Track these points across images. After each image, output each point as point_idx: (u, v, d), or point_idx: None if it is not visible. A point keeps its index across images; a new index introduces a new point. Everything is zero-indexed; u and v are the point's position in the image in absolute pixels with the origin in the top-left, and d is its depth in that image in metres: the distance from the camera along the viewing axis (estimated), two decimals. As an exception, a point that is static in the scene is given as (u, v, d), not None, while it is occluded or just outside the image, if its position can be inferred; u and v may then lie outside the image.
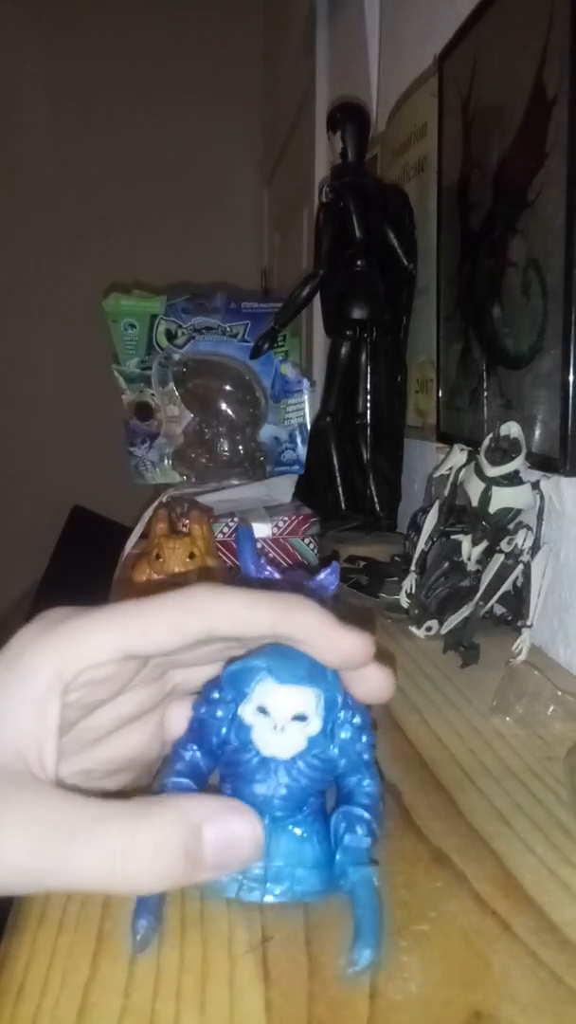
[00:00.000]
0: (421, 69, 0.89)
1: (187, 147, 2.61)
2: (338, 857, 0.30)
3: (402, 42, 1.04)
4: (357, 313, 0.86)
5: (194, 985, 0.26)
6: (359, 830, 0.30)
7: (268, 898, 0.29)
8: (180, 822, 0.26)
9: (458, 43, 0.74)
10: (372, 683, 0.30)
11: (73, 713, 0.29)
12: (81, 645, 0.28)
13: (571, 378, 0.55)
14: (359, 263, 0.87)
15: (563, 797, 0.37)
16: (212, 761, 0.31)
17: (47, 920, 0.29)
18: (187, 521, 0.71)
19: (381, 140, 1.05)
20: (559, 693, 0.46)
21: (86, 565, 0.96)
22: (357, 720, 0.31)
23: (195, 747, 0.31)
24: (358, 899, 0.28)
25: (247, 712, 0.29)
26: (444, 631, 0.59)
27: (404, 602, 0.63)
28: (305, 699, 0.29)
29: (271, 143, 2.40)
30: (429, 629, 0.60)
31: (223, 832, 0.26)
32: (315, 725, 0.29)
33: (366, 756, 0.31)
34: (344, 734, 0.30)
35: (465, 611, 0.58)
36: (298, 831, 0.30)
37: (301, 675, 0.29)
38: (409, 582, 0.63)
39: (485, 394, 0.70)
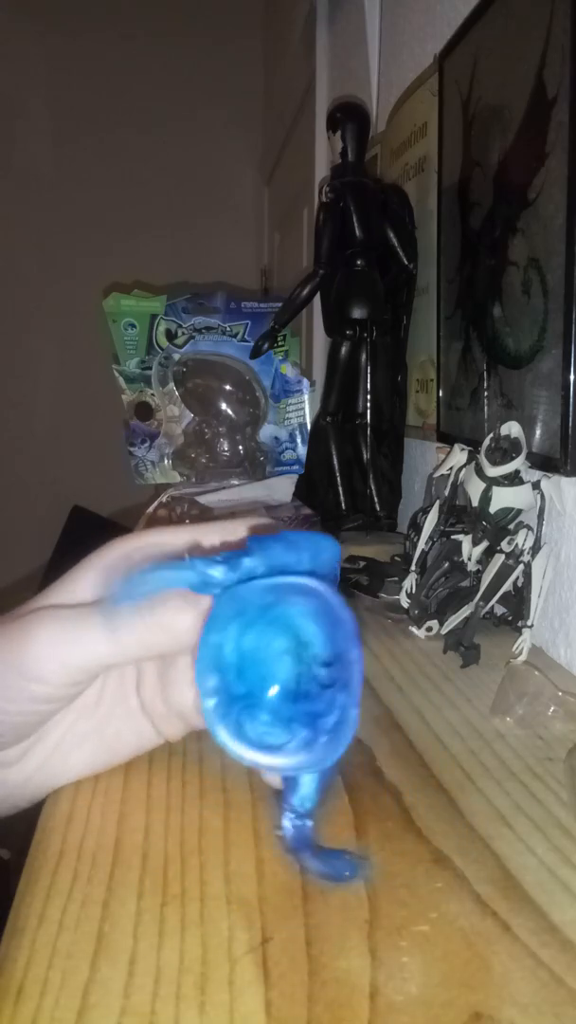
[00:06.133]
0: (421, 68, 0.89)
1: (187, 147, 2.61)
2: None
3: (402, 41, 1.04)
4: (357, 313, 0.86)
5: (194, 986, 0.25)
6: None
7: None
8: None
9: (458, 42, 0.74)
10: None
11: None
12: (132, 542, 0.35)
13: (572, 377, 0.55)
14: (359, 263, 0.87)
15: (563, 798, 0.37)
16: None
17: (47, 920, 0.28)
18: (188, 522, 0.71)
19: (381, 140, 1.04)
20: (560, 694, 0.46)
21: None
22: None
23: None
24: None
25: None
26: (444, 631, 0.59)
27: (404, 602, 0.63)
28: None
29: (271, 143, 2.40)
30: (429, 629, 0.60)
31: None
32: None
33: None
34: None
35: (465, 611, 0.58)
36: None
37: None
38: (409, 582, 0.63)
39: (485, 394, 0.70)
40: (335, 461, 0.90)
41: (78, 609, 0.33)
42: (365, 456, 0.90)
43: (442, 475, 0.63)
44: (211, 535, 0.36)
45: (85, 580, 0.34)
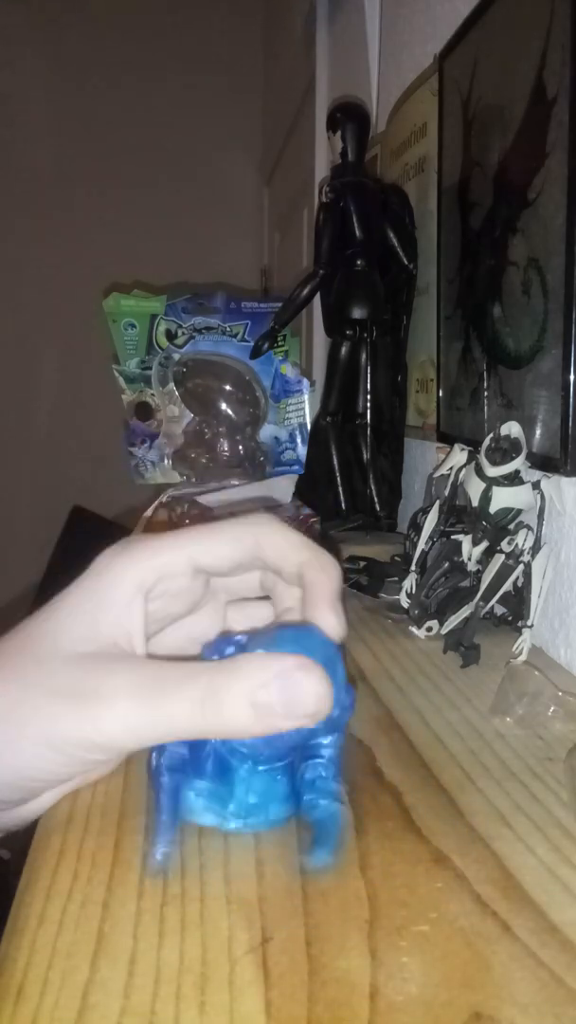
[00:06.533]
0: (421, 68, 0.89)
1: (187, 147, 2.61)
2: (306, 797, 0.33)
3: (402, 41, 1.04)
4: (357, 313, 0.86)
5: (194, 986, 0.25)
6: (324, 773, 0.33)
7: (235, 824, 0.33)
8: (251, 677, 0.30)
9: (458, 42, 0.74)
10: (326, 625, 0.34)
11: (152, 625, 0.34)
12: (158, 558, 0.34)
13: (572, 377, 0.55)
14: (359, 263, 0.87)
15: (564, 798, 0.37)
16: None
17: (47, 920, 0.28)
18: (188, 521, 0.71)
19: (381, 140, 1.05)
20: (560, 694, 0.46)
21: (86, 565, 0.96)
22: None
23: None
24: (323, 821, 0.32)
25: None
26: (444, 631, 0.58)
27: (404, 602, 0.63)
28: None
29: (271, 143, 2.40)
30: (429, 629, 0.60)
31: (290, 687, 0.30)
32: None
33: (342, 720, 0.34)
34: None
35: (465, 611, 0.58)
36: (273, 773, 0.33)
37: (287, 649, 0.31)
38: (409, 582, 0.63)
39: (485, 394, 0.70)
40: (335, 461, 0.90)
41: (160, 674, 0.31)
42: (365, 456, 0.90)
43: (442, 475, 0.63)
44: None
45: (120, 601, 0.33)
